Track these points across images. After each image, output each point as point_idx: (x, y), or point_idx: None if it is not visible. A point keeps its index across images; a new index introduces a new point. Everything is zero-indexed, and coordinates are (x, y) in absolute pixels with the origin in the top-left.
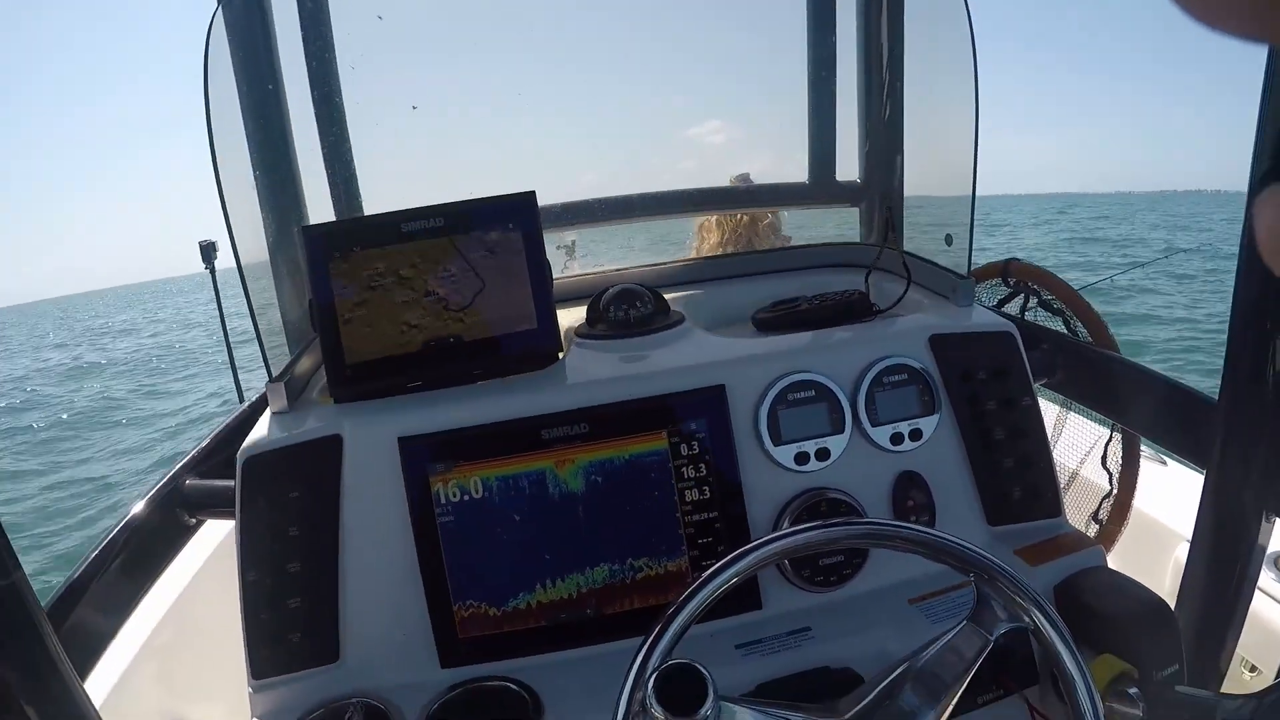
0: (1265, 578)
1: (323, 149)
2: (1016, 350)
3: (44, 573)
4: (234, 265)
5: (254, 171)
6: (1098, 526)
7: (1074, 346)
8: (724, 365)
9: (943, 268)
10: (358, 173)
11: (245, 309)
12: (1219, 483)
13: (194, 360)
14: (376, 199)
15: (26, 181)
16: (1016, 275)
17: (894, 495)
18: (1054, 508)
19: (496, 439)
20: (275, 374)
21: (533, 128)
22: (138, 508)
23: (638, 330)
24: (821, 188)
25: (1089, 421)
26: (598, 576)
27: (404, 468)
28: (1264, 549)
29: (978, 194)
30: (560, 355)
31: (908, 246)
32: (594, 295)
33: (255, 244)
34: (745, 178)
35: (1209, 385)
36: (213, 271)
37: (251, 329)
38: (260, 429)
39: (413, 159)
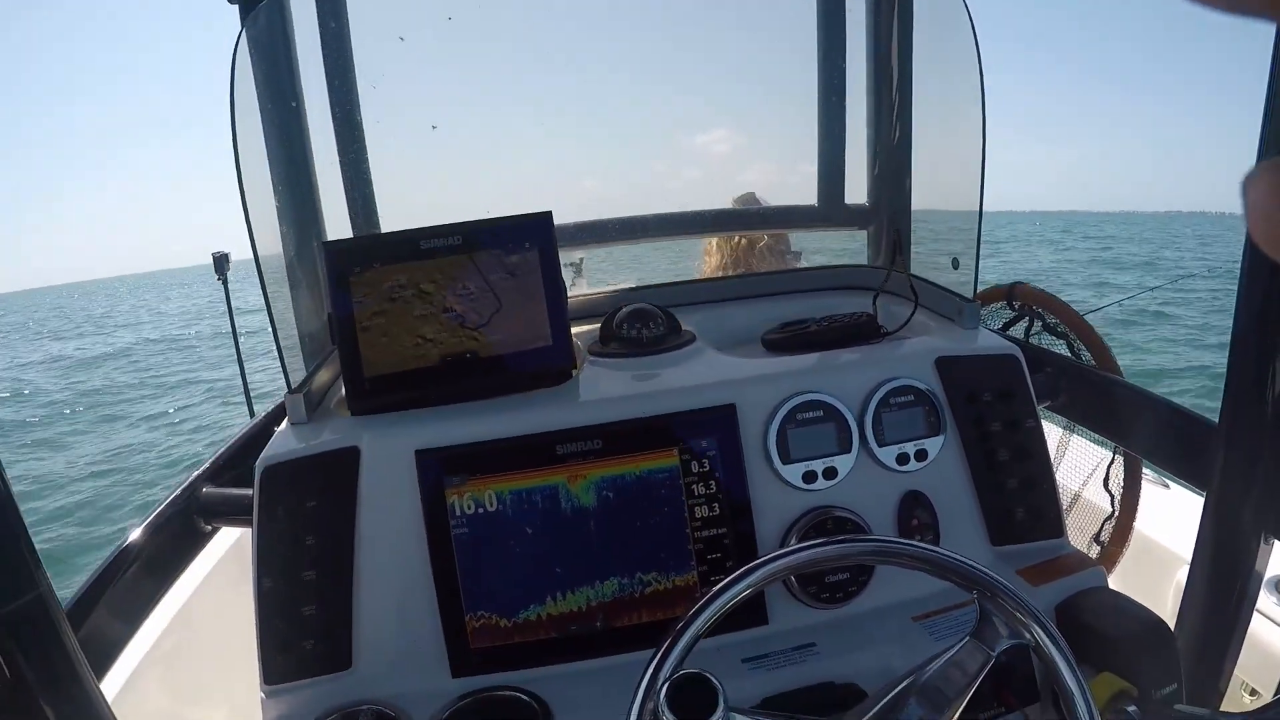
0: (1265, 600)
1: (341, 166)
2: (1021, 373)
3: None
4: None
5: (275, 187)
6: (1099, 548)
7: (1077, 370)
8: (734, 385)
9: (949, 291)
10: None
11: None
12: (1219, 505)
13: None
14: (388, 210)
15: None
16: (1021, 299)
17: (899, 514)
18: (1056, 529)
19: (511, 453)
20: (294, 386)
21: (540, 137)
22: (155, 514)
23: (650, 349)
24: (831, 211)
25: (1091, 444)
26: (607, 590)
27: (420, 480)
28: (1263, 571)
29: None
30: (574, 372)
31: (914, 265)
32: (606, 314)
33: (274, 257)
34: (751, 198)
35: None
36: (225, 283)
37: (254, 340)
38: (279, 439)
39: (427, 171)
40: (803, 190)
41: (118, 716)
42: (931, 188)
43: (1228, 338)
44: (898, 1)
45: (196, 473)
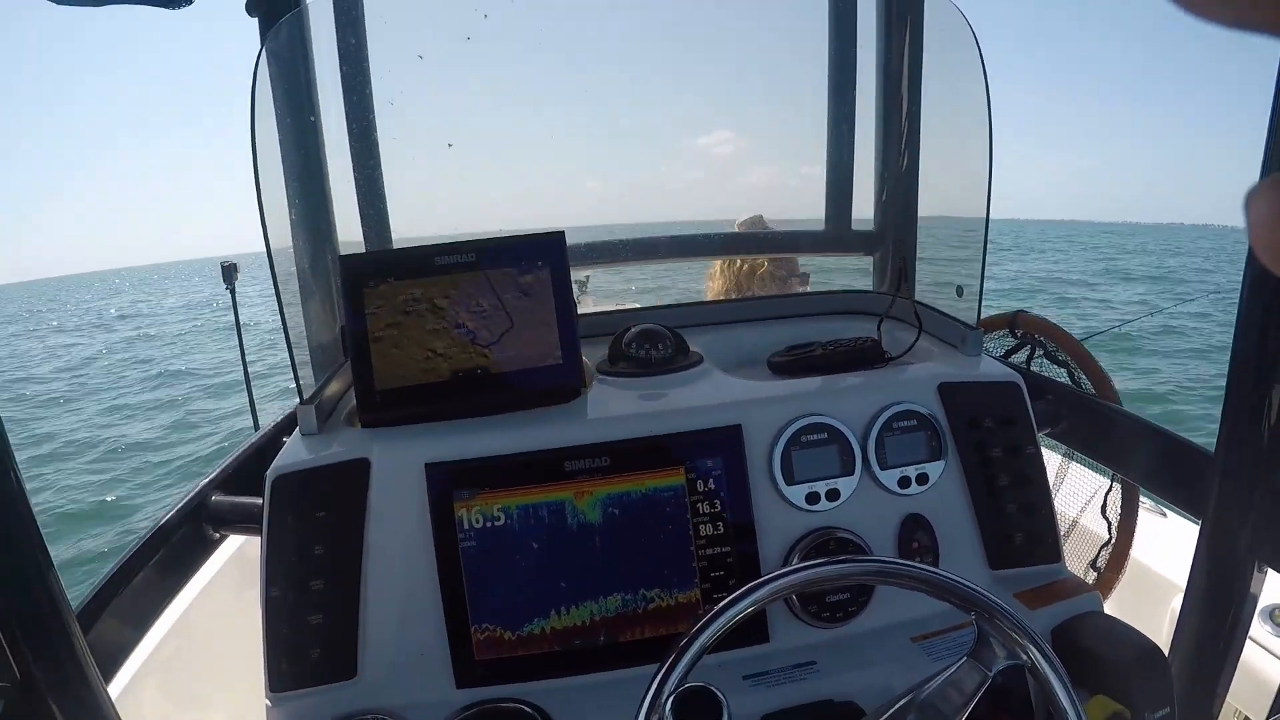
0: (1258, 628)
1: (356, 180)
2: (1022, 400)
3: None
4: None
5: (290, 199)
6: (1096, 574)
7: (1077, 398)
8: (741, 406)
9: (953, 318)
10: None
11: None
12: (1214, 533)
13: None
14: (398, 221)
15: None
16: (1024, 327)
17: (900, 536)
18: (1054, 554)
19: (521, 469)
20: (306, 397)
21: (554, 153)
22: (165, 520)
23: (658, 369)
24: (838, 236)
25: (1090, 472)
26: (611, 605)
27: (429, 493)
28: (1256, 599)
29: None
30: (583, 391)
31: (919, 288)
32: (615, 333)
33: (287, 269)
34: (759, 220)
35: None
36: (233, 293)
37: (254, 350)
38: (290, 450)
39: (439, 183)
40: (804, 192)
41: None
42: (937, 213)
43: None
44: (908, 31)
45: (205, 480)
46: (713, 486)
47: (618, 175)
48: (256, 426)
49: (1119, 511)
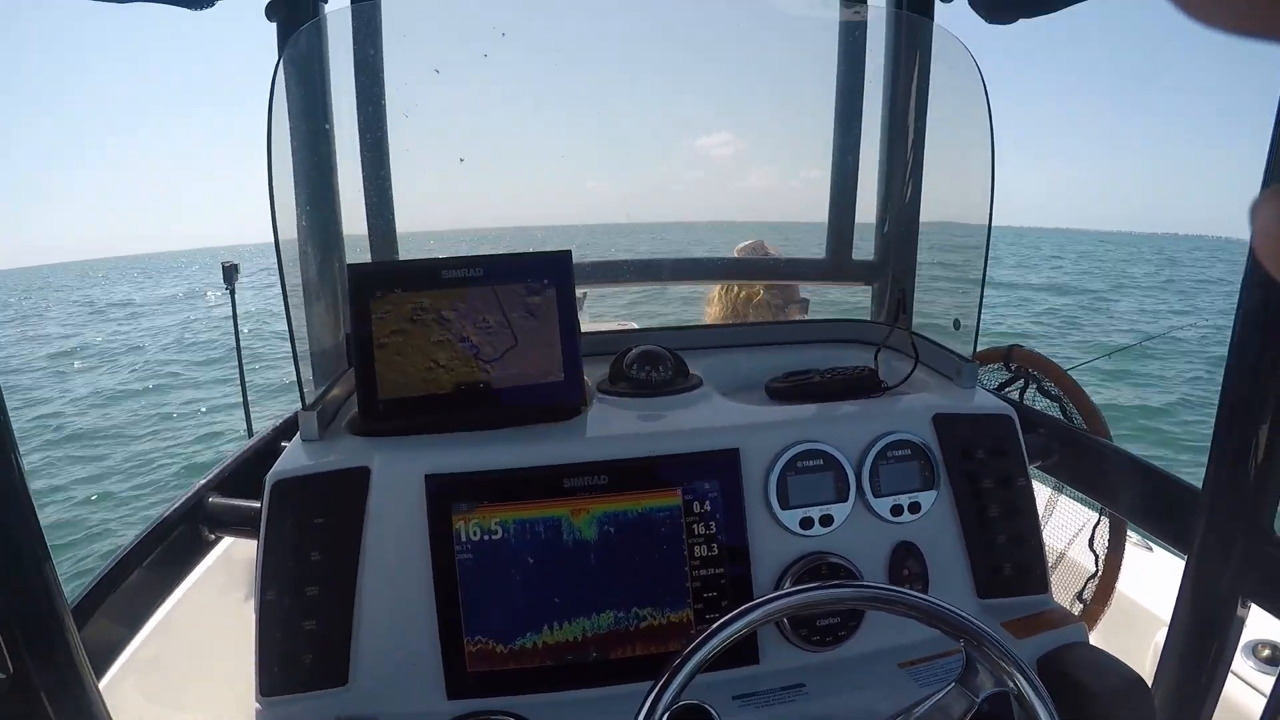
0: (1240, 663)
1: (365, 190)
2: (1015, 433)
3: None
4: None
5: (300, 205)
6: (1082, 605)
7: (1069, 432)
8: (739, 430)
9: (949, 350)
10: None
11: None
12: (1199, 568)
13: None
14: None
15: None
16: (1018, 361)
17: (891, 564)
18: (1042, 584)
19: (520, 483)
20: (308, 402)
21: (550, 143)
22: (161, 519)
23: (658, 390)
24: (838, 265)
25: (1078, 505)
26: (603, 622)
27: (428, 504)
28: (1239, 634)
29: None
30: (583, 409)
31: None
32: (616, 352)
33: (293, 274)
34: (759, 246)
35: None
36: (232, 294)
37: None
38: (290, 455)
39: (445, 188)
40: (803, 196)
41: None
42: (937, 244)
43: None
44: (916, 67)
45: (202, 481)
46: (709, 508)
47: (620, 176)
48: (250, 433)
49: (1106, 545)
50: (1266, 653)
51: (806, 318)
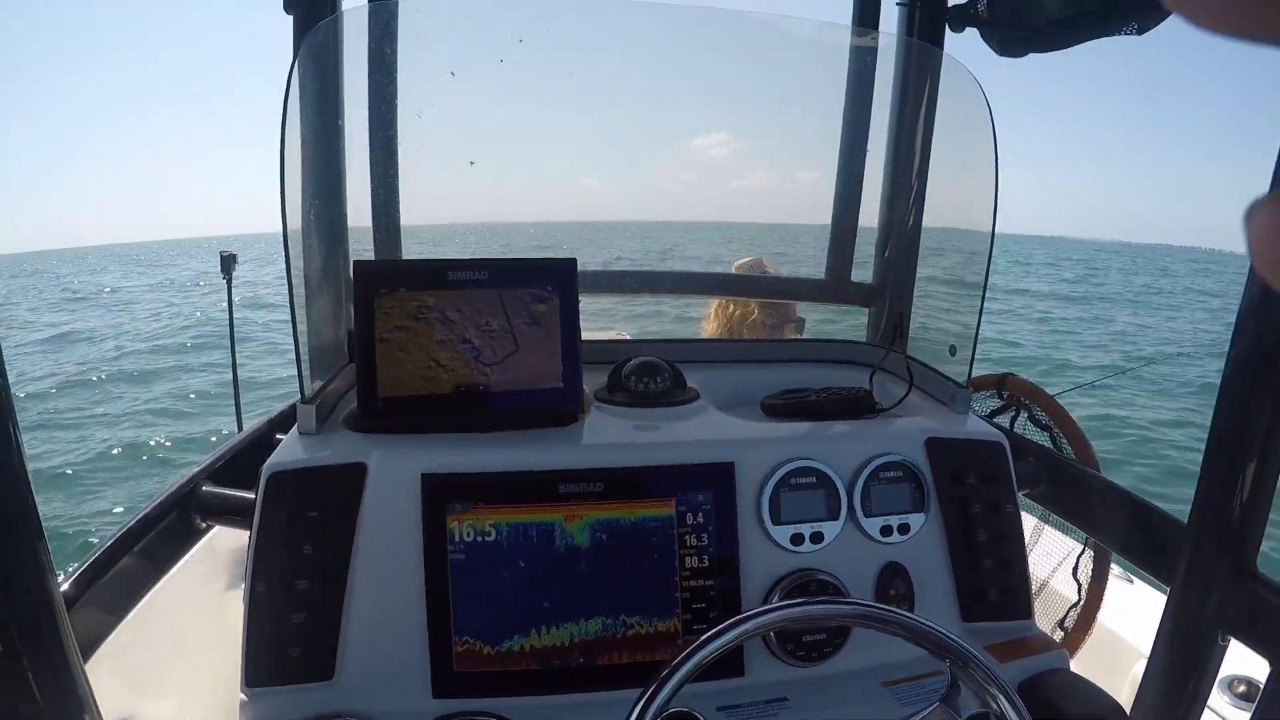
0: (1217, 698)
1: (372, 188)
2: (1005, 460)
3: None
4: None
5: (308, 200)
6: (1063, 634)
7: (1058, 462)
8: (735, 445)
9: (944, 375)
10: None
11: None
12: (1181, 601)
13: None
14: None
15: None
16: (1011, 389)
17: (878, 583)
18: (1025, 610)
19: (516, 487)
20: (307, 396)
21: (555, 142)
22: (153, 507)
23: (655, 401)
24: (837, 287)
25: (1062, 535)
26: (591, 628)
27: (423, 503)
28: (1217, 669)
29: None
30: (580, 416)
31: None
32: (615, 362)
33: (297, 268)
34: (758, 263)
35: None
36: (229, 284)
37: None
38: (287, 447)
39: (451, 190)
40: (800, 197)
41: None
42: (936, 270)
43: None
44: (925, 97)
45: (196, 469)
46: (701, 520)
47: (625, 174)
48: (240, 427)
49: (1090, 575)
50: (1242, 688)
51: (803, 337)
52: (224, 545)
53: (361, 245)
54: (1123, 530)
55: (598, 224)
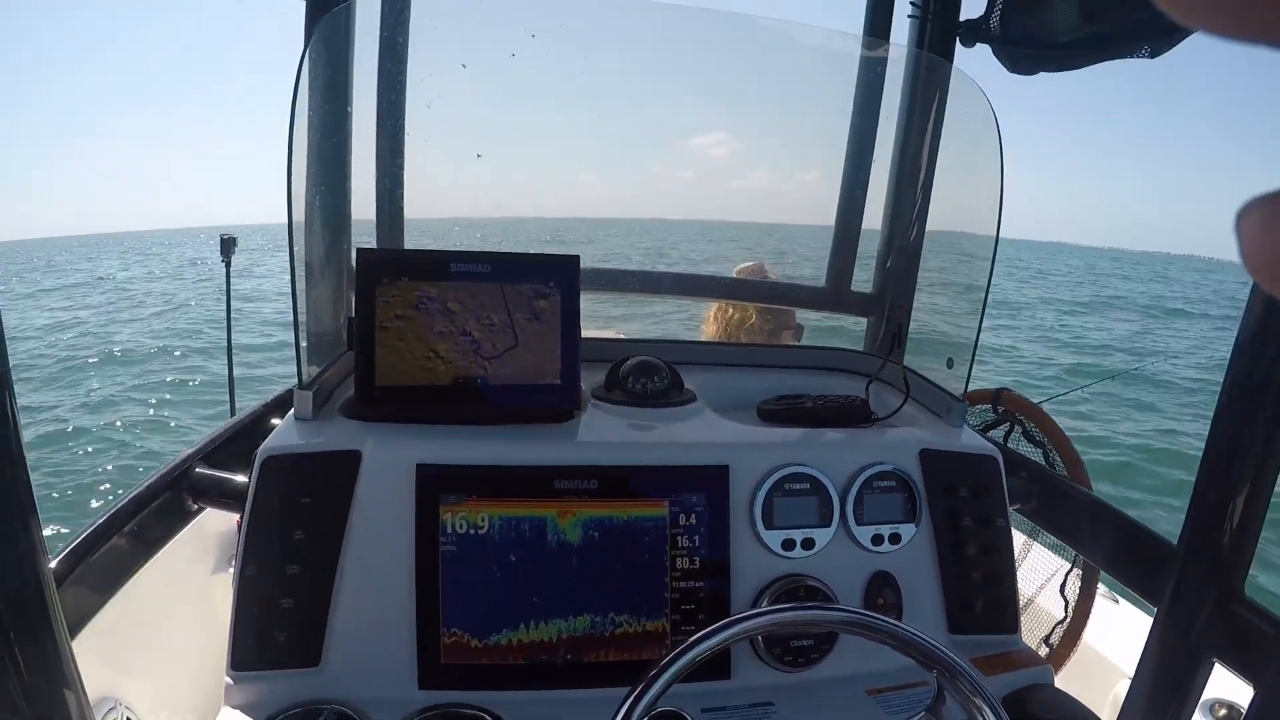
0: None
1: (378, 177)
2: (998, 474)
3: None
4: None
5: (314, 187)
6: (1048, 650)
7: (1050, 478)
8: (730, 448)
9: (940, 387)
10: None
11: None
12: (1167, 622)
13: None
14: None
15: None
16: (1006, 404)
17: (867, 591)
18: (1012, 624)
19: (511, 481)
20: (305, 381)
21: (560, 139)
22: (146, 486)
23: (652, 402)
24: (837, 295)
25: (1050, 553)
26: (579, 625)
27: (417, 493)
28: (1201, 691)
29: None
30: (577, 414)
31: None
32: (613, 360)
33: (299, 254)
34: (759, 268)
35: None
36: (228, 267)
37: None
38: (282, 432)
39: (455, 183)
40: (798, 197)
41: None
42: (938, 281)
43: None
44: (933, 110)
45: (190, 451)
46: (694, 522)
47: (628, 172)
48: (233, 411)
49: (1077, 593)
50: (1223, 712)
51: (801, 344)
52: (214, 528)
53: (364, 235)
54: (1112, 549)
55: (596, 220)
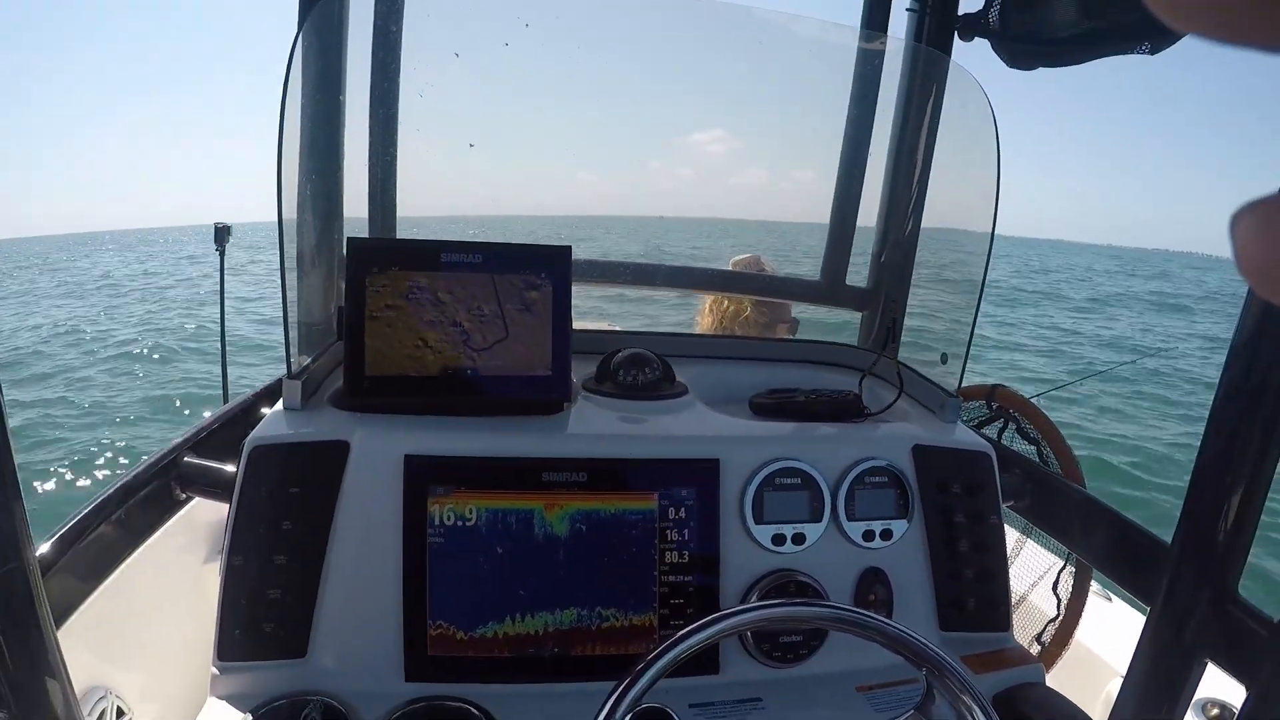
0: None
1: (370, 166)
2: (991, 471)
3: None
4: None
5: (305, 176)
6: (1040, 648)
7: (1043, 476)
8: (721, 441)
9: (934, 383)
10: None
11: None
12: (1160, 621)
13: None
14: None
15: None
16: (1000, 401)
17: (858, 587)
18: (1004, 622)
19: (499, 472)
20: (294, 371)
21: (556, 137)
22: (133, 475)
23: (643, 394)
24: (832, 289)
25: (1043, 550)
26: (566, 618)
27: (405, 484)
28: (1193, 691)
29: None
30: (567, 405)
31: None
32: (604, 352)
33: (290, 244)
34: (755, 261)
35: None
36: (222, 255)
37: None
38: (271, 421)
39: (448, 169)
40: (795, 196)
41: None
42: (932, 277)
43: None
44: (930, 104)
45: (179, 439)
46: (683, 516)
47: (622, 168)
48: (226, 399)
49: (1069, 591)
50: (1215, 712)
51: (795, 338)
52: (202, 518)
53: (357, 229)
54: (1106, 547)
55: (594, 218)
